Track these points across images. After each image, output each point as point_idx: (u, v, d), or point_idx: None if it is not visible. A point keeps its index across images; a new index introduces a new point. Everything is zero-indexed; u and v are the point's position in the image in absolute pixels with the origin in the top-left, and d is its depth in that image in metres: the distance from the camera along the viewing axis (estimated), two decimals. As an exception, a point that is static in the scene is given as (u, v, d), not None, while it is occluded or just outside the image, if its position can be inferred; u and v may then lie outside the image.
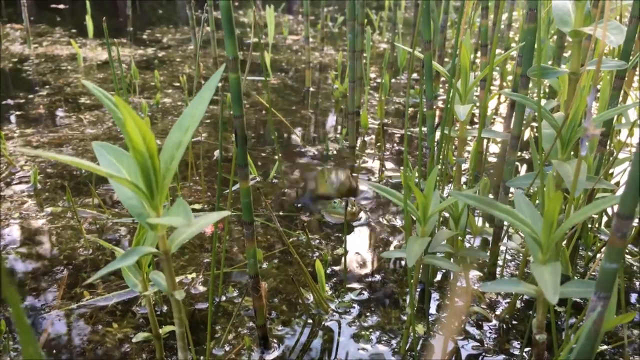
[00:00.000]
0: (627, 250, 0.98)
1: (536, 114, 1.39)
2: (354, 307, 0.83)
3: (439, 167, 0.68)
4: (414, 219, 0.67)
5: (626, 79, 1.05)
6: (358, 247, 0.99)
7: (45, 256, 0.93)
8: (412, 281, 0.68)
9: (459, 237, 0.76)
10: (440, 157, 0.78)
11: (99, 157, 0.54)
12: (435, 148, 0.81)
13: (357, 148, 1.42)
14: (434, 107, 0.86)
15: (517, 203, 0.57)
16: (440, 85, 2.02)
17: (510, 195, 1.00)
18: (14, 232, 0.99)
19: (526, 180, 0.75)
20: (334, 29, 2.95)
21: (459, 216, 0.72)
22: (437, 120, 1.69)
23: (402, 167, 1.31)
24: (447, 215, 1.04)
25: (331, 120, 1.64)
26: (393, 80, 2.02)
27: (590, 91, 0.47)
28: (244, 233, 0.69)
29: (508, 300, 0.86)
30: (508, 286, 0.55)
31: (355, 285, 0.88)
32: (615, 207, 0.43)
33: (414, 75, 2.12)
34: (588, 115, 0.48)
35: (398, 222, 1.07)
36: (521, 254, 0.95)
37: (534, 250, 0.52)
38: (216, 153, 1.33)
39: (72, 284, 0.86)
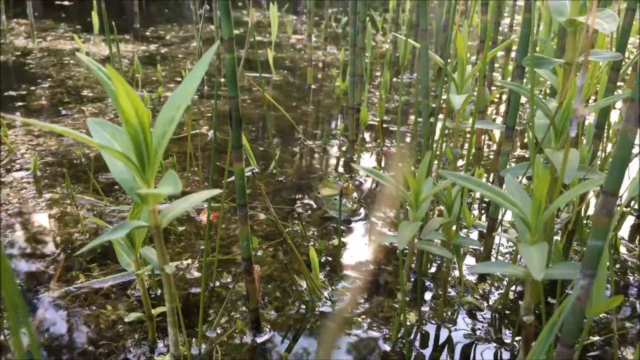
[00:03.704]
0: (623, 246, 0.98)
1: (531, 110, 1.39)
2: (347, 295, 0.83)
3: (435, 157, 0.69)
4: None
5: (630, 79, 1.05)
6: (354, 238, 0.99)
7: (42, 240, 0.93)
8: (403, 268, 0.68)
9: (453, 226, 0.76)
10: (435, 145, 0.79)
11: (94, 134, 0.55)
12: (430, 138, 0.82)
13: (357, 143, 1.43)
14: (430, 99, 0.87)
15: (507, 186, 0.57)
16: (444, 85, 2.03)
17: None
18: (12, 216, 1.00)
19: (519, 169, 0.75)
20: (338, 29, 2.96)
21: (451, 203, 0.72)
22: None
23: (401, 160, 1.32)
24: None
25: (332, 116, 1.65)
26: (395, 79, 2.02)
27: (582, 74, 0.47)
28: (257, 225, 0.69)
29: (501, 291, 0.86)
30: (496, 267, 0.55)
31: (349, 273, 0.89)
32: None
33: (415, 74, 2.12)
34: (578, 96, 0.49)
35: (389, 212, 1.07)
36: (515, 247, 0.95)
37: (522, 231, 0.52)
38: (210, 133, 1.34)
39: (69, 268, 0.87)
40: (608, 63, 0.88)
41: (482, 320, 0.79)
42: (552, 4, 0.73)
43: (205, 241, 0.93)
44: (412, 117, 1.68)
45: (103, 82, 0.50)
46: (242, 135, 0.64)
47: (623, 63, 0.86)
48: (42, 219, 1.00)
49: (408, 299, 0.82)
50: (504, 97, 1.88)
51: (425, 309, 0.81)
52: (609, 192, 0.43)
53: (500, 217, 0.88)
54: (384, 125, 1.56)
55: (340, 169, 1.28)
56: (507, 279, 0.87)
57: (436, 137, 1.24)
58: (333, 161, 1.32)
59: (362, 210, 1.07)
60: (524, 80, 0.80)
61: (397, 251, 0.95)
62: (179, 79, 1.88)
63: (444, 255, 0.68)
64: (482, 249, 0.90)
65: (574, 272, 0.51)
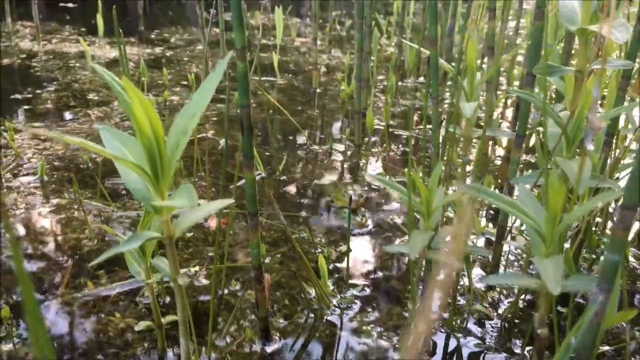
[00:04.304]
0: (631, 254, 0.98)
1: (542, 117, 1.39)
2: (356, 303, 0.83)
3: (443, 163, 0.68)
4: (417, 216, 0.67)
5: (636, 83, 1.05)
6: (362, 244, 0.99)
7: (50, 246, 0.93)
8: (414, 276, 0.68)
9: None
10: (445, 155, 0.79)
11: (105, 141, 0.55)
12: (440, 146, 0.82)
13: (363, 147, 1.42)
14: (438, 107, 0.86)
15: (520, 196, 0.57)
16: (447, 89, 2.02)
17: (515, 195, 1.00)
18: (20, 222, 1.00)
19: (530, 178, 0.75)
20: (342, 32, 2.96)
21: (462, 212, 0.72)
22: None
23: (406, 167, 1.32)
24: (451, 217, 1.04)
25: (337, 120, 1.64)
26: (400, 83, 2.02)
27: (596, 85, 0.47)
28: (247, 224, 0.69)
29: (510, 299, 0.85)
30: (510, 279, 0.55)
31: (357, 281, 0.88)
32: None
33: (421, 79, 2.12)
34: (593, 109, 0.48)
35: (397, 220, 1.07)
36: (525, 255, 0.95)
37: (536, 243, 0.52)
38: (222, 142, 1.33)
39: (76, 274, 0.87)
40: (617, 70, 0.87)
41: (492, 329, 0.79)
42: (563, 12, 0.73)
43: (214, 249, 0.93)
44: (416, 121, 1.67)
45: (117, 93, 0.50)
46: (253, 144, 0.64)
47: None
48: (49, 225, 0.99)
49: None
50: (509, 101, 1.88)
51: (434, 317, 0.81)
52: (628, 206, 0.42)
53: (509, 224, 0.87)
54: (390, 130, 1.56)
55: (347, 174, 1.28)
56: (517, 287, 0.87)
57: (441, 141, 1.24)
58: (340, 166, 1.32)
59: (370, 221, 1.06)
60: (536, 89, 0.80)
61: (408, 260, 0.95)
62: (185, 83, 1.88)
63: (451, 264, 0.68)
64: (490, 257, 0.90)
65: (589, 285, 0.51)
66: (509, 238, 0.89)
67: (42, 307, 0.79)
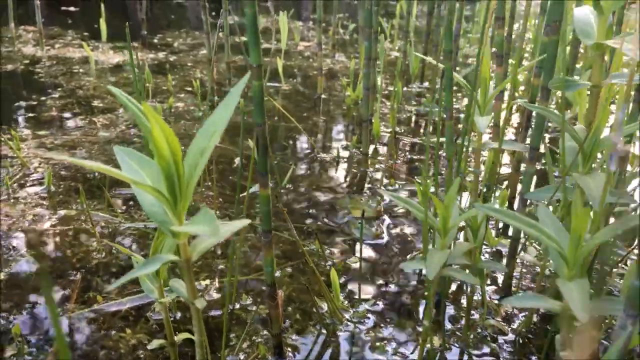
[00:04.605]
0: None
1: (550, 125, 1.37)
2: (368, 318, 0.82)
3: (460, 178, 0.68)
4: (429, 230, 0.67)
5: None
6: (375, 256, 0.98)
7: (58, 259, 0.93)
8: (430, 294, 0.67)
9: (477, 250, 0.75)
10: (458, 168, 0.78)
11: (121, 162, 0.54)
12: (454, 160, 0.81)
13: (369, 155, 1.42)
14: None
15: (540, 217, 0.56)
16: (460, 94, 2.01)
17: (528, 207, 0.99)
18: (27, 234, 0.99)
19: (546, 193, 0.74)
20: (345, 36, 2.95)
21: (477, 228, 0.71)
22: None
23: (415, 176, 1.31)
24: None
25: (343, 127, 1.64)
26: (405, 88, 2.01)
27: (622, 106, 0.46)
28: (261, 241, 0.68)
29: (524, 313, 0.85)
30: (533, 301, 0.54)
31: (370, 295, 0.88)
32: None
33: (425, 84, 2.11)
34: (618, 131, 0.48)
35: (410, 233, 1.06)
36: (537, 267, 0.94)
37: (559, 265, 0.51)
38: (237, 161, 1.32)
39: (85, 288, 0.86)
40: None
41: (506, 344, 0.78)
42: (577, 25, 0.72)
43: (229, 261, 0.92)
44: (422, 127, 1.67)
45: (135, 116, 0.49)
46: (267, 162, 0.63)
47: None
48: (57, 237, 0.99)
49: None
50: (514, 107, 1.87)
51: (447, 332, 0.80)
52: (657, 233, 0.42)
53: (523, 237, 0.87)
54: (396, 136, 1.55)
55: (356, 184, 1.27)
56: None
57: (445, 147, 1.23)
58: (348, 175, 1.31)
59: (385, 233, 1.06)
60: (551, 104, 0.79)
61: (420, 272, 0.94)
62: (189, 89, 1.87)
63: (472, 283, 0.67)
64: (505, 272, 0.89)
65: (615, 309, 0.50)
66: (522, 253, 0.88)
67: (51, 325, 0.78)
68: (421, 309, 0.85)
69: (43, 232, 1.00)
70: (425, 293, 0.88)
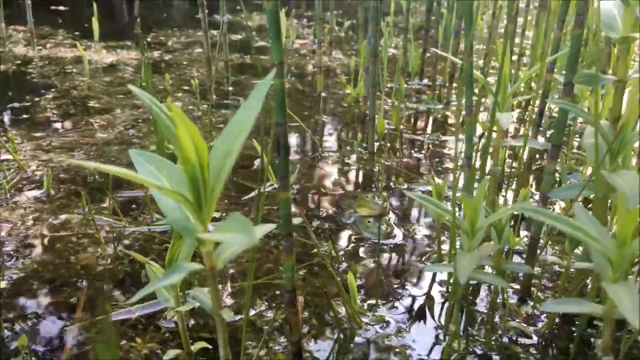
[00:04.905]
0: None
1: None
2: (387, 322, 0.80)
3: (488, 178, 0.65)
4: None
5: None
6: (389, 257, 0.96)
7: (62, 266, 0.89)
8: (457, 297, 0.65)
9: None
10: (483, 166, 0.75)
11: (137, 166, 0.51)
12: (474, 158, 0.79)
13: (376, 154, 1.39)
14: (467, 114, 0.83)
15: (579, 218, 0.54)
16: (454, 91, 1.99)
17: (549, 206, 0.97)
18: (28, 240, 0.95)
19: (571, 191, 0.72)
20: (341, 33, 2.92)
21: (502, 229, 0.69)
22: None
23: (424, 174, 1.29)
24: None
25: (346, 125, 1.61)
26: (405, 85, 1.99)
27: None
28: (281, 245, 0.65)
29: (545, 314, 0.83)
30: (572, 306, 0.52)
31: (387, 298, 0.85)
32: None
33: (425, 80, 2.09)
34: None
35: (421, 233, 1.04)
36: (556, 266, 0.92)
37: (603, 268, 0.49)
38: (257, 162, 1.28)
39: (92, 296, 0.83)
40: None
41: (530, 347, 0.76)
42: (602, 19, 0.70)
43: (239, 267, 0.89)
44: (422, 124, 1.65)
45: (156, 117, 0.46)
46: (289, 163, 0.61)
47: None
48: (60, 243, 0.95)
49: (446, 325, 0.79)
50: (515, 102, 1.85)
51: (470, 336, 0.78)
52: None
53: (542, 237, 0.85)
54: (396, 133, 1.52)
55: (363, 183, 1.25)
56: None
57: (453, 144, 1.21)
58: (355, 174, 1.29)
59: (396, 232, 1.03)
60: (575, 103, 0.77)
61: (435, 276, 0.92)
62: (186, 88, 1.84)
63: (500, 286, 0.65)
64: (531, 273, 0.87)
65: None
66: (545, 252, 0.86)
67: (61, 332, 0.75)
68: (439, 311, 0.83)
69: (45, 238, 0.96)
70: (443, 295, 0.86)
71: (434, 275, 0.91)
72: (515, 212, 0.67)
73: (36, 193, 1.10)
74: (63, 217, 1.03)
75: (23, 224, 1.00)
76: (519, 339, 0.77)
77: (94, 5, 2.34)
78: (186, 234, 0.48)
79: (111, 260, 0.91)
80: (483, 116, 1.69)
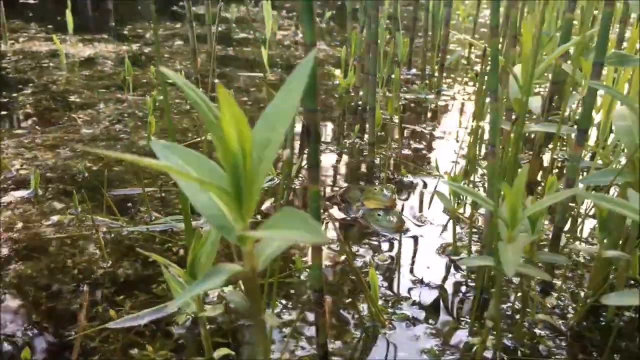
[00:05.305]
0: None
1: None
2: (411, 318, 0.76)
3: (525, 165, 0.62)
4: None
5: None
6: (404, 251, 0.92)
7: (59, 271, 0.83)
8: (497, 291, 0.62)
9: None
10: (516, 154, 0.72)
11: (162, 159, 0.46)
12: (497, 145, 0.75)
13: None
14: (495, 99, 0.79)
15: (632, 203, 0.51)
16: (448, 80, 1.97)
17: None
18: (20, 244, 0.89)
19: (605, 177, 0.69)
20: (322, 24, 2.88)
21: (537, 219, 0.65)
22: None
23: (425, 164, 1.25)
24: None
25: (340, 116, 1.57)
26: (393, 75, 1.95)
27: None
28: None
29: (572, 305, 0.80)
30: (633, 298, 0.49)
31: (407, 294, 0.81)
32: None
33: (413, 70, 2.06)
34: None
35: (432, 224, 1.00)
36: (575, 256, 0.90)
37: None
38: (285, 153, 1.22)
39: (94, 302, 0.77)
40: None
41: (560, 339, 0.73)
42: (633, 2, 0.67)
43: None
44: (416, 113, 1.61)
45: (193, 103, 0.41)
46: (319, 153, 0.56)
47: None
48: (54, 246, 0.89)
49: (475, 320, 0.75)
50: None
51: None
52: None
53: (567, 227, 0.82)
54: (392, 123, 1.49)
55: (365, 174, 1.21)
56: (582, 293, 0.81)
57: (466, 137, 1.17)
58: (355, 166, 1.25)
59: (407, 224, 0.99)
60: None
61: (450, 266, 0.88)
62: (171, 81, 1.76)
63: (544, 279, 0.62)
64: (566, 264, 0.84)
65: None
66: (577, 243, 0.83)
67: (65, 343, 0.69)
68: (461, 304, 0.79)
69: (37, 241, 0.90)
70: (465, 288, 0.83)
71: (451, 267, 0.88)
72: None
73: (23, 193, 1.03)
74: (55, 218, 0.96)
75: (12, 227, 0.93)
76: (549, 332, 0.75)
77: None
78: (224, 232, 0.43)
79: (112, 263, 0.85)
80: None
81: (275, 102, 0.44)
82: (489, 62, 0.73)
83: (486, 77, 0.75)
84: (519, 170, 0.58)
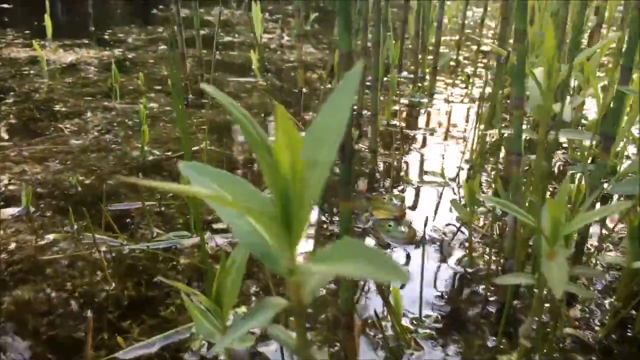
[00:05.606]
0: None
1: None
2: (436, 338, 0.73)
3: (569, 177, 0.59)
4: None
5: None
6: (418, 264, 0.89)
7: (58, 295, 0.78)
8: (536, 307, 0.59)
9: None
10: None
11: (195, 182, 0.42)
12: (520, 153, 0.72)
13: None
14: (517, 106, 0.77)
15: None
16: (442, 84, 1.95)
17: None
18: (14, 266, 0.83)
19: (632, 186, 0.67)
20: (306, 26, 2.84)
21: (572, 233, 0.63)
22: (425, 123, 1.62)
23: (428, 170, 1.22)
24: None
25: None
26: (385, 78, 1.93)
27: None
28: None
29: (595, 317, 0.77)
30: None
31: (429, 311, 0.78)
32: None
33: (404, 73, 2.04)
34: None
35: (444, 233, 0.97)
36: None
37: None
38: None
39: (98, 328, 0.72)
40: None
41: (590, 353, 0.71)
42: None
43: (261, 283, 0.80)
44: (412, 117, 1.59)
45: (238, 121, 0.37)
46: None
47: None
48: (50, 268, 0.83)
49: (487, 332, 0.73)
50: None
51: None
52: None
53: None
54: (389, 128, 1.46)
55: (371, 182, 1.17)
56: (606, 305, 0.79)
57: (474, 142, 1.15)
58: (358, 174, 1.21)
59: (418, 234, 0.96)
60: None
61: (462, 278, 0.85)
62: (158, 87, 1.71)
63: (588, 297, 0.59)
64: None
65: None
66: (603, 253, 0.81)
67: (68, 376, 0.64)
68: (485, 320, 0.76)
69: (32, 263, 0.84)
70: (488, 302, 0.80)
71: (462, 278, 0.85)
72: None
73: (13, 211, 0.98)
74: (50, 236, 0.91)
75: (4, 248, 0.87)
76: (579, 346, 0.72)
77: (47, 2, 2.16)
78: (268, 262, 0.39)
79: (115, 285, 0.80)
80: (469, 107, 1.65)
81: (321, 118, 0.40)
82: (482, 65, 0.70)
83: (509, 84, 0.72)
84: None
